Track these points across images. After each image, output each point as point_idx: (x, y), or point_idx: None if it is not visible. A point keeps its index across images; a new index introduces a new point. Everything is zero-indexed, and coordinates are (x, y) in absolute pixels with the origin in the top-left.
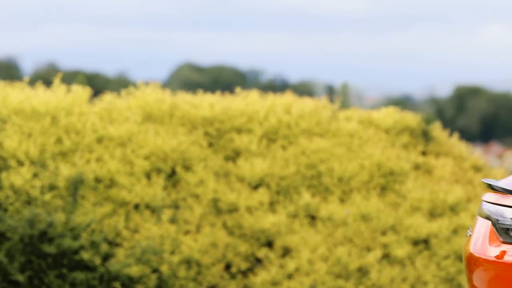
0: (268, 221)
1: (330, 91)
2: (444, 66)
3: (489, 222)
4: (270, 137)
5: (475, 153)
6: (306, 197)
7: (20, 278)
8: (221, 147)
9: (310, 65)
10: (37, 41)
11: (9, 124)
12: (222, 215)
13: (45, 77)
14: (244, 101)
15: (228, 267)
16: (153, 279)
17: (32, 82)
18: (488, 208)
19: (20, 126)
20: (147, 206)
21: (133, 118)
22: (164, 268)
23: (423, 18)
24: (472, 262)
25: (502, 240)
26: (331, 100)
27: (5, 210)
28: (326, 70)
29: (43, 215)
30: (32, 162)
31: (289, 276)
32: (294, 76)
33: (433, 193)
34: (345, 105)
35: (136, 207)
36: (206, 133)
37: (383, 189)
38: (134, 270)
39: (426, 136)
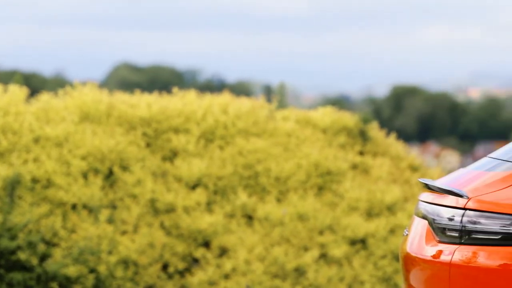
0: (205, 221)
1: (268, 91)
2: (382, 66)
3: (426, 222)
4: (207, 137)
5: (412, 153)
6: (243, 197)
7: None
8: (158, 147)
9: (247, 65)
10: None
11: None
12: (160, 215)
13: None
14: (182, 101)
15: (165, 267)
16: (90, 279)
17: None
18: (424, 207)
19: None
20: (85, 206)
21: (70, 118)
22: (102, 268)
23: (361, 19)
24: (409, 262)
25: (438, 239)
26: (269, 100)
27: None
28: (263, 70)
29: None
30: None
31: (226, 276)
32: (231, 76)
33: (370, 193)
34: (282, 105)
35: (74, 207)
36: (144, 133)
37: (320, 189)
38: (72, 270)
39: (363, 136)
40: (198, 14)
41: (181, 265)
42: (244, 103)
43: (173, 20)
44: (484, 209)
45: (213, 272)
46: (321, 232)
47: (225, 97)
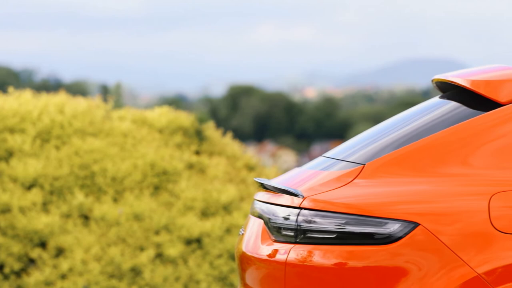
0: (41, 221)
1: (104, 91)
2: (218, 66)
3: (261, 221)
4: (43, 137)
5: (249, 152)
6: (79, 197)
7: None
8: None
9: (84, 65)
10: None
11: None
12: None
13: None
14: (17, 101)
15: (0, 267)
16: None
17: None
18: (260, 207)
19: None
20: None
21: None
22: None
23: (197, 19)
24: (245, 261)
25: (274, 239)
26: (105, 100)
27: None
28: (100, 70)
29: None
30: None
31: (63, 276)
32: (68, 75)
33: (206, 192)
34: (118, 105)
35: None
36: None
37: (157, 189)
38: None
39: (199, 135)
40: (33, 13)
41: (17, 266)
42: (80, 103)
43: (8, 20)
44: (319, 208)
45: (49, 272)
46: (157, 232)
47: (61, 97)
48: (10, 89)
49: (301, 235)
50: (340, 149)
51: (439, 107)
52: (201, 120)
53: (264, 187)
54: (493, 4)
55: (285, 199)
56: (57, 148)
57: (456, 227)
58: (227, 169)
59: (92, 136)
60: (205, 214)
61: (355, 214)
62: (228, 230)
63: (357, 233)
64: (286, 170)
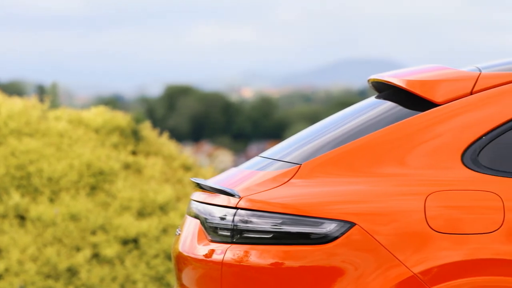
0: None
1: (41, 91)
2: (156, 66)
3: (198, 221)
4: None
5: (185, 152)
6: (15, 197)
7: None
8: None
9: (21, 64)
10: None
11: None
12: None
13: None
14: None
15: None
16: None
17: None
18: (196, 207)
19: None
20: None
21: None
22: None
23: (134, 19)
24: (181, 261)
25: (210, 239)
26: (41, 100)
27: None
28: (38, 70)
29: None
30: None
31: None
32: (4, 75)
33: (142, 192)
34: (55, 105)
35: None
36: None
37: (93, 189)
38: None
39: (136, 135)
40: None
41: None
42: (16, 103)
43: None
44: (255, 208)
45: None
46: (93, 232)
47: None
48: None
49: (237, 235)
50: (277, 149)
51: (375, 107)
52: (138, 120)
53: (200, 187)
54: (431, 4)
55: (222, 199)
56: None
57: (392, 226)
58: (164, 169)
59: (28, 136)
60: (141, 214)
61: (291, 214)
62: (164, 230)
63: (294, 233)
64: (222, 170)
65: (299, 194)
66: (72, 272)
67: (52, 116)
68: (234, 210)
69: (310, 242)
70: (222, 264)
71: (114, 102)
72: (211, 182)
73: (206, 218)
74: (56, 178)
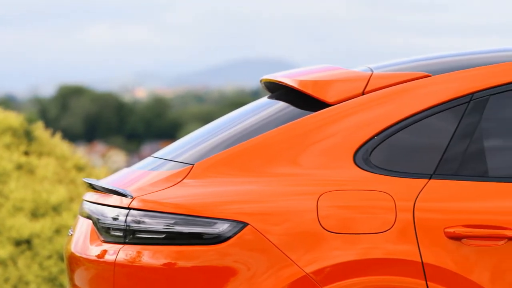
0: None
1: None
2: (48, 66)
3: (90, 222)
4: None
5: (78, 153)
6: None
7: None
8: None
9: None
10: None
11: None
12: None
13: None
14: None
15: None
16: None
17: None
18: (89, 207)
19: None
20: None
21: None
22: None
23: (29, 18)
24: (74, 262)
25: (103, 239)
26: None
27: None
28: None
29: None
30: None
31: None
32: None
33: (35, 193)
34: None
35: None
36: None
37: None
38: None
39: (28, 136)
40: None
41: None
42: None
43: None
44: (147, 209)
45: None
46: None
47: None
48: None
49: (130, 235)
50: (170, 149)
51: (267, 107)
52: (30, 121)
53: (93, 187)
54: (326, 5)
55: (114, 199)
56: None
57: (284, 226)
58: (57, 169)
59: None
60: (34, 215)
61: (183, 214)
62: (57, 231)
63: (186, 233)
64: (116, 171)
65: (192, 194)
66: None
67: None
68: (126, 211)
69: (203, 242)
70: (114, 264)
71: (6, 103)
72: (104, 183)
73: (98, 219)
74: None
